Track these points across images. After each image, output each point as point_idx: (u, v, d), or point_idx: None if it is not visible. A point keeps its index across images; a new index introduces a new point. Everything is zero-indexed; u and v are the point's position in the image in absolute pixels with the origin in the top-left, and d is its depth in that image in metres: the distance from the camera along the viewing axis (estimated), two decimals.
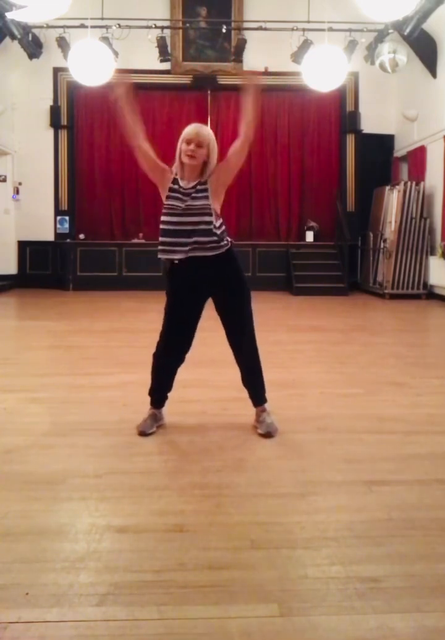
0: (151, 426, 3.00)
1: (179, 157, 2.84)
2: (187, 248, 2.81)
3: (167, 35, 10.04)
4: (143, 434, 2.94)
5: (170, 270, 2.95)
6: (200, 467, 2.57)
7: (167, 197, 2.87)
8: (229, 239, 2.94)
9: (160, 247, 2.88)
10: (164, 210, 2.88)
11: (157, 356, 3.03)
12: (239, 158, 2.90)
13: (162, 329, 2.99)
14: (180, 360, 3.03)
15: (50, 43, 9.95)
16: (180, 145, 2.83)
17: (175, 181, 2.87)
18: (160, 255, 2.90)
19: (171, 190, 2.86)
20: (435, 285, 9.58)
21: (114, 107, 2.92)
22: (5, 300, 9.41)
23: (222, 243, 2.87)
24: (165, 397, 3.09)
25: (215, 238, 2.84)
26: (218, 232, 2.85)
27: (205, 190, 2.84)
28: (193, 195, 2.82)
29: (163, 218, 2.87)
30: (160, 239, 2.88)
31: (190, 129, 2.84)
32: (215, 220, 2.84)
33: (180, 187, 2.85)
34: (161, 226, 2.88)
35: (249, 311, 2.99)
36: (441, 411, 3.46)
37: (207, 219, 2.83)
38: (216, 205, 2.87)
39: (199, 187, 2.84)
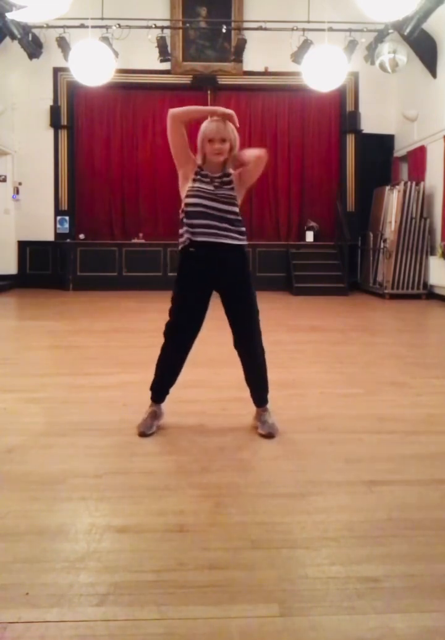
0: (151, 426, 2.99)
1: (202, 152, 2.84)
2: (219, 231, 2.81)
3: (167, 35, 10.04)
4: (143, 434, 2.94)
5: (184, 256, 2.91)
6: (200, 467, 2.57)
7: (194, 180, 2.86)
8: (244, 234, 2.97)
9: (191, 229, 2.84)
10: (190, 193, 2.84)
11: (165, 345, 2.99)
12: (257, 171, 2.94)
13: (170, 317, 2.96)
14: (187, 349, 2.99)
15: (50, 43, 9.94)
16: (204, 146, 2.82)
17: (200, 170, 2.88)
18: (190, 237, 2.84)
19: (198, 174, 2.86)
20: (435, 285, 9.58)
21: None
22: (5, 300, 9.41)
23: (244, 237, 2.90)
24: (167, 392, 3.07)
25: (242, 228, 2.88)
26: (243, 225, 2.90)
27: (231, 182, 2.86)
28: (221, 184, 2.84)
29: (191, 200, 2.83)
30: (189, 220, 2.84)
31: (209, 128, 2.82)
32: (239, 213, 2.88)
33: (207, 173, 2.86)
34: (188, 208, 2.84)
35: (256, 310, 2.98)
36: (441, 411, 3.46)
37: (235, 208, 2.86)
38: (238, 199, 2.90)
39: (225, 178, 2.86)
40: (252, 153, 2.89)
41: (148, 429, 2.97)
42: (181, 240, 2.90)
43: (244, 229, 2.90)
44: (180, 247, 2.92)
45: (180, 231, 2.90)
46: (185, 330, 2.96)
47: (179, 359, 3.02)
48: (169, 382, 3.06)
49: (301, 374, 4.34)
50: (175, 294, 2.96)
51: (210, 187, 2.83)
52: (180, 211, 2.92)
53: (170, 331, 2.96)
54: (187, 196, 2.85)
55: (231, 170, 2.90)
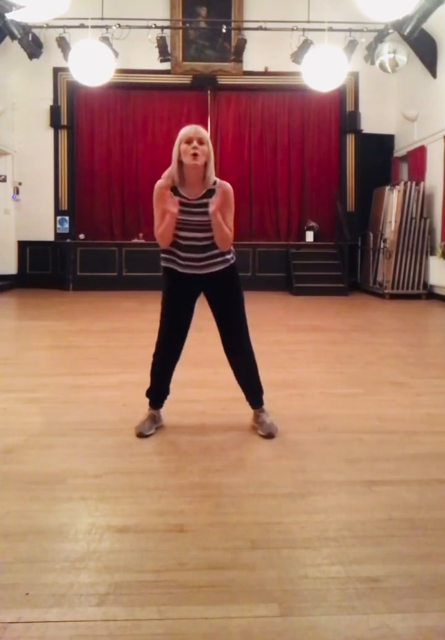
0: (150, 428, 2.99)
1: (178, 159, 2.73)
2: (201, 263, 2.81)
3: (167, 35, 10.04)
4: (141, 435, 2.93)
5: (170, 271, 2.92)
6: (200, 467, 2.57)
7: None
8: (233, 250, 2.94)
9: (173, 258, 2.84)
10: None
11: (157, 355, 3.01)
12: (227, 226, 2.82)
13: (160, 327, 2.98)
14: (178, 355, 3.00)
15: (50, 43, 9.94)
16: (179, 147, 2.71)
17: (175, 191, 2.76)
18: (171, 266, 2.84)
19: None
20: (435, 285, 9.58)
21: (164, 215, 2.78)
22: (5, 300, 9.41)
23: (229, 255, 2.88)
24: (164, 397, 3.08)
25: (226, 254, 2.85)
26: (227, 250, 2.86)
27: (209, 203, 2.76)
28: (201, 210, 2.76)
29: (175, 232, 2.79)
30: (174, 250, 2.83)
31: (187, 129, 2.75)
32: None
33: (186, 199, 2.76)
34: (174, 239, 2.81)
35: (244, 312, 2.97)
36: (441, 411, 3.46)
37: (209, 234, 2.80)
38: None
39: (205, 200, 2.76)
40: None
41: (146, 430, 2.96)
42: (164, 257, 2.89)
43: (226, 252, 2.85)
44: (163, 265, 2.92)
45: (163, 254, 2.89)
46: (174, 334, 2.96)
47: (173, 365, 3.02)
48: (166, 387, 3.06)
49: (301, 374, 4.34)
50: (163, 300, 2.96)
51: (192, 218, 2.76)
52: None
53: (161, 337, 2.98)
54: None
55: (214, 183, 2.78)
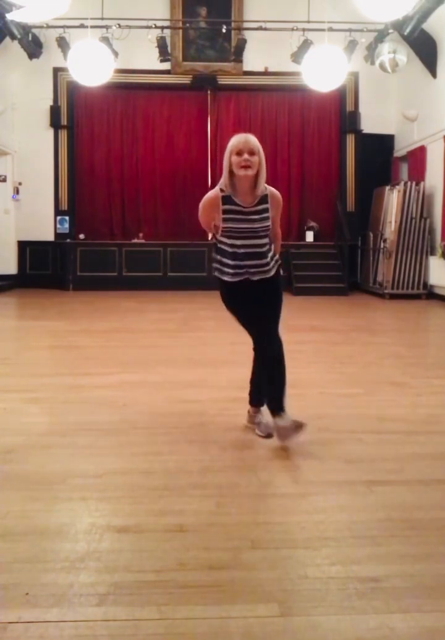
0: (268, 425, 2.95)
1: (229, 171, 2.72)
2: (264, 268, 2.81)
3: (167, 35, 10.04)
4: (270, 436, 2.90)
5: (226, 290, 2.91)
6: (200, 467, 2.57)
7: (226, 220, 2.76)
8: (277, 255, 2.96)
9: (227, 270, 2.82)
10: (224, 233, 2.79)
11: (259, 357, 2.99)
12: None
13: (249, 333, 2.95)
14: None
15: (50, 43, 9.94)
16: (230, 159, 2.71)
17: (228, 200, 2.76)
18: (226, 278, 2.84)
19: (229, 211, 2.76)
20: (435, 285, 9.58)
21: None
22: (5, 300, 9.40)
23: (276, 262, 2.90)
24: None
25: (273, 262, 2.86)
26: (272, 252, 2.88)
27: (266, 210, 2.79)
28: (257, 216, 2.77)
29: (226, 240, 2.79)
30: (226, 260, 2.82)
31: (238, 140, 2.72)
32: (269, 242, 2.86)
33: (241, 207, 2.76)
34: (224, 247, 2.81)
35: (281, 308, 2.98)
36: (441, 411, 3.46)
37: (266, 240, 2.83)
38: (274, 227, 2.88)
39: (260, 206, 2.77)
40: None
41: (268, 428, 2.94)
42: (217, 269, 2.89)
43: (275, 255, 2.90)
44: (218, 275, 2.91)
45: (217, 260, 2.88)
46: (258, 325, 2.92)
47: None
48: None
49: (301, 374, 4.34)
50: (237, 318, 2.94)
51: (245, 225, 2.75)
52: (214, 239, 2.89)
53: (251, 333, 2.95)
54: (223, 236, 2.80)
55: (266, 191, 2.80)
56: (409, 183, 9.77)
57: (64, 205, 11.21)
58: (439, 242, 9.40)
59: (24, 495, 2.29)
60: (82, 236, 11.06)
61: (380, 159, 11.32)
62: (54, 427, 3.11)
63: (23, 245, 11.18)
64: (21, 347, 5.62)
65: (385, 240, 9.96)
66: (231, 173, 2.73)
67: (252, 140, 2.73)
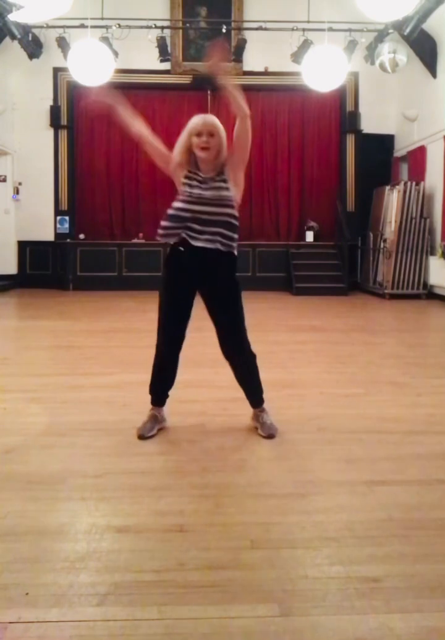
0: (151, 429, 2.95)
1: (189, 149, 2.76)
2: (206, 237, 2.72)
3: (167, 35, 10.05)
4: (142, 437, 2.90)
5: (170, 259, 2.87)
6: (200, 467, 2.57)
7: (185, 185, 2.76)
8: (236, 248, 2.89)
9: (160, 231, 2.78)
10: (181, 197, 2.76)
11: (158, 349, 2.95)
12: (244, 135, 2.80)
13: (160, 321, 2.93)
14: (179, 350, 2.94)
15: (50, 43, 9.95)
16: (190, 140, 2.74)
17: (188, 172, 2.79)
18: (169, 240, 2.78)
19: (189, 177, 2.78)
20: (435, 285, 9.58)
21: (108, 108, 2.85)
22: (5, 300, 9.40)
23: (233, 242, 2.81)
24: (166, 395, 3.04)
25: (234, 235, 2.79)
26: (236, 227, 2.80)
27: (225, 180, 2.77)
28: (215, 185, 2.75)
29: (180, 205, 2.75)
30: (172, 223, 2.76)
31: (197, 121, 2.75)
32: (236, 213, 2.80)
33: (200, 176, 2.77)
34: (176, 212, 2.75)
35: (242, 310, 2.91)
36: (441, 411, 3.45)
37: (230, 211, 2.77)
38: (237, 196, 2.82)
39: (218, 177, 2.76)
40: (237, 98, 2.75)
41: (147, 431, 2.93)
42: (161, 233, 2.82)
43: (235, 235, 2.80)
44: (163, 241, 2.87)
45: (165, 225, 2.81)
46: (175, 323, 2.91)
47: (175, 359, 2.96)
48: (168, 383, 3.01)
49: (301, 374, 4.34)
50: (161, 289, 2.93)
51: (201, 192, 2.73)
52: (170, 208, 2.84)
53: (161, 327, 2.93)
54: (178, 200, 2.79)
55: (226, 172, 2.79)
56: (409, 183, 9.77)
57: (64, 206, 11.20)
58: (439, 242, 9.40)
59: (24, 495, 2.29)
60: (82, 236, 11.06)
61: (380, 159, 11.32)
62: (53, 427, 3.10)
63: (23, 245, 11.18)
64: (21, 347, 5.62)
65: (385, 240, 9.96)
66: (190, 153, 2.77)
67: (211, 120, 2.77)
